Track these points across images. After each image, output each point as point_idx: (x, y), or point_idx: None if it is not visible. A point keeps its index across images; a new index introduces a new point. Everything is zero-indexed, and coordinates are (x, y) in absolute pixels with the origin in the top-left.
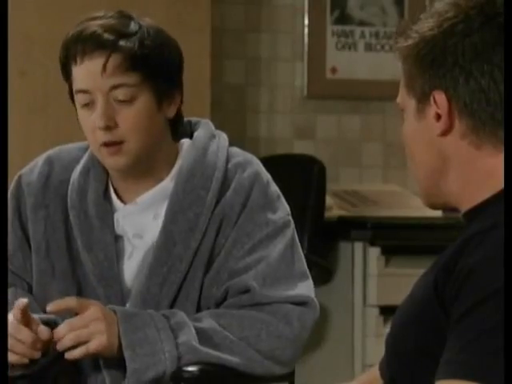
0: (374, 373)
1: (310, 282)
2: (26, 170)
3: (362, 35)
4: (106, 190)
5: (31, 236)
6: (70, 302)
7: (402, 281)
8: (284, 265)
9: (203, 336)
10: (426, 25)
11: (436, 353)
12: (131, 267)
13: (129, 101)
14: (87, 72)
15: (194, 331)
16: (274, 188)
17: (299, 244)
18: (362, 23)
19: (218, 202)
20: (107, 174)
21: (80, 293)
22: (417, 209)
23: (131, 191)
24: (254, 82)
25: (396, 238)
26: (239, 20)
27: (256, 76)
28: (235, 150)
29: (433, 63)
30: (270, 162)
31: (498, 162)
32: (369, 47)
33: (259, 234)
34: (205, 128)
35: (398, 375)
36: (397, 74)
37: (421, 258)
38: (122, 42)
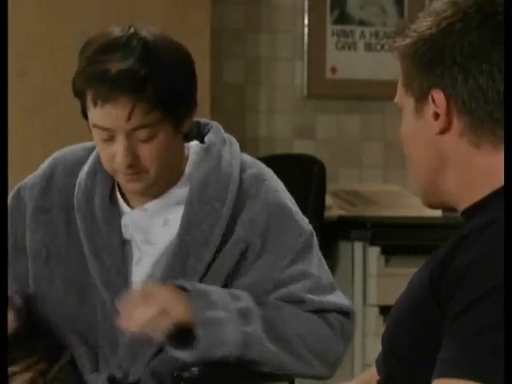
0: (373, 371)
1: (339, 292)
2: (29, 177)
3: (362, 35)
4: (112, 193)
5: (28, 243)
6: (135, 296)
7: (402, 280)
8: (322, 276)
9: (267, 326)
10: (424, 24)
11: (431, 350)
12: (140, 273)
13: (150, 138)
14: (108, 114)
15: (260, 321)
16: (289, 195)
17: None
18: (361, 23)
19: (234, 215)
20: (113, 179)
21: (82, 298)
22: (417, 208)
23: (144, 196)
24: (253, 82)
25: (396, 238)
26: (239, 20)
27: (256, 76)
28: (246, 157)
29: (431, 62)
30: (269, 162)
31: (496, 160)
32: (369, 47)
33: (296, 246)
34: (216, 133)
35: (394, 372)
36: (397, 74)
37: (421, 258)
38: (143, 89)
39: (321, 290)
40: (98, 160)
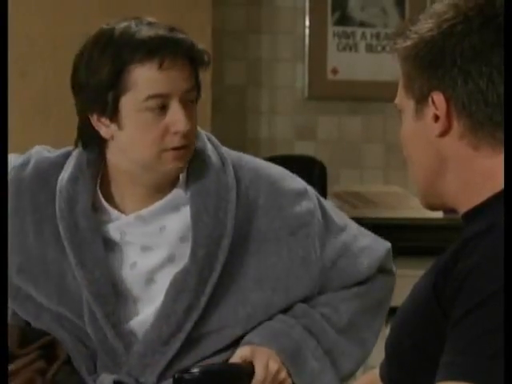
0: (375, 374)
1: (364, 230)
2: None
3: (363, 36)
4: (96, 200)
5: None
6: (244, 352)
7: (403, 282)
8: (349, 228)
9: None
10: (425, 26)
11: (435, 354)
12: (136, 278)
13: (194, 102)
14: (169, 76)
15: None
16: (280, 168)
17: (326, 205)
18: (362, 24)
19: (238, 223)
20: (96, 182)
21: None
22: (418, 210)
23: (133, 201)
24: (254, 83)
25: (397, 239)
26: (240, 21)
27: (257, 77)
28: (230, 154)
29: (431, 64)
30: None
31: (496, 163)
32: (370, 48)
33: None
34: (198, 136)
35: (397, 377)
36: (398, 76)
37: (422, 259)
38: (198, 46)
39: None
40: (78, 165)
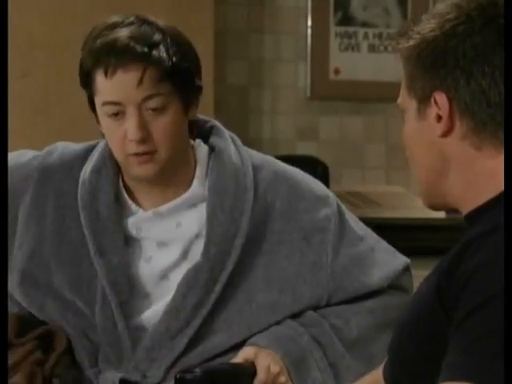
0: (378, 375)
1: (385, 243)
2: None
3: (366, 36)
4: (118, 193)
5: (20, 235)
6: (248, 353)
7: None
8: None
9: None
10: (427, 26)
11: (438, 355)
12: (150, 271)
13: (161, 110)
14: (119, 84)
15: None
16: (302, 173)
17: (346, 214)
18: (365, 24)
19: (253, 224)
20: (119, 175)
21: (80, 294)
22: (420, 210)
23: (150, 196)
24: (256, 83)
25: (399, 240)
26: (242, 21)
27: (259, 77)
28: (255, 157)
29: (434, 64)
30: None
31: (498, 163)
32: (372, 48)
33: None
34: (220, 135)
35: (400, 377)
36: (400, 76)
37: (424, 260)
38: (154, 53)
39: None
40: (102, 158)
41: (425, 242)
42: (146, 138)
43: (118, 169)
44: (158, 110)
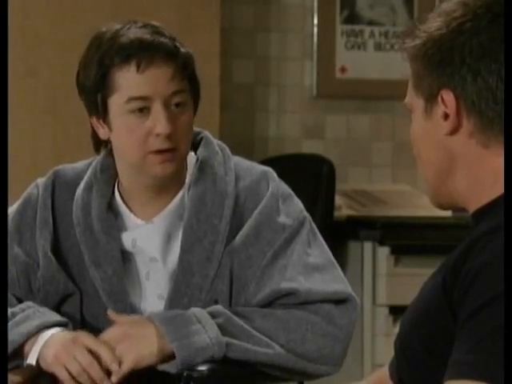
0: (384, 373)
1: (338, 271)
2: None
3: (372, 35)
4: (111, 205)
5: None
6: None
7: (412, 280)
8: (311, 263)
9: (248, 335)
10: (433, 24)
11: (444, 354)
12: (152, 290)
13: (182, 106)
14: (151, 79)
15: (243, 328)
16: (284, 191)
17: (318, 234)
18: (371, 23)
19: (232, 229)
20: (112, 188)
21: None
22: (426, 208)
23: (145, 205)
24: (263, 82)
25: (405, 238)
26: (248, 19)
27: (265, 75)
28: (240, 165)
29: (440, 62)
30: (278, 162)
31: None
32: (378, 47)
33: (278, 242)
34: (208, 146)
35: (406, 376)
36: (406, 74)
37: (430, 258)
38: (179, 56)
39: (312, 275)
40: (93, 173)
41: (431, 240)
42: (173, 133)
43: (112, 179)
44: (181, 106)
